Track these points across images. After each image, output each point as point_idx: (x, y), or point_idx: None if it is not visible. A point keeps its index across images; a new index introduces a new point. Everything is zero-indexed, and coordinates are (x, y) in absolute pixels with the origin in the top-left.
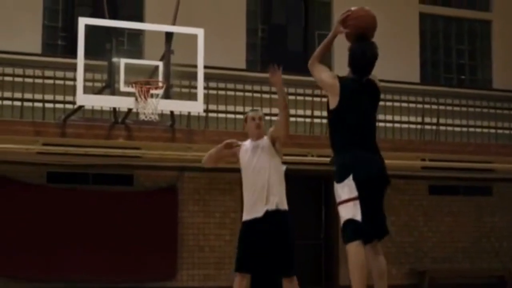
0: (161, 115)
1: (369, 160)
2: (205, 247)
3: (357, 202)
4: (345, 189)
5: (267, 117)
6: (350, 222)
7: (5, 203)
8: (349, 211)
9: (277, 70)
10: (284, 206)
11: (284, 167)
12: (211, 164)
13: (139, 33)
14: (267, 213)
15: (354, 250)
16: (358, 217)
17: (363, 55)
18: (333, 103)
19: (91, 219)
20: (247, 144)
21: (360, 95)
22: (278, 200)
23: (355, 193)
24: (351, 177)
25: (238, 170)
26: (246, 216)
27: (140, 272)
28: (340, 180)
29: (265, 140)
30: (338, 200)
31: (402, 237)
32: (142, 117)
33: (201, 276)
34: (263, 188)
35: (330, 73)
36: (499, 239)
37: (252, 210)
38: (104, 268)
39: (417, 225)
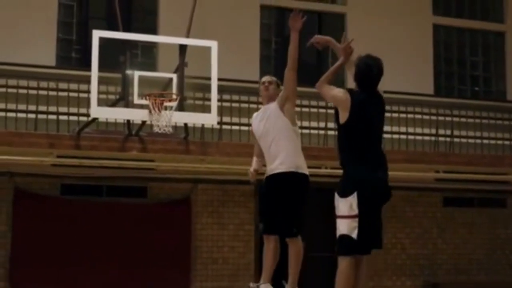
0: (175, 127)
1: (375, 179)
2: (219, 259)
3: (356, 220)
4: (347, 205)
5: None
6: (346, 237)
7: (19, 215)
8: (346, 227)
9: (300, 16)
10: (291, 166)
11: (295, 127)
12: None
13: (153, 45)
14: (270, 174)
15: (345, 266)
16: (355, 234)
17: (370, 70)
18: (344, 117)
19: (105, 231)
20: (259, 111)
21: (369, 109)
22: (283, 160)
23: (355, 211)
24: (355, 194)
25: (251, 182)
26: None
27: (154, 284)
28: (344, 195)
29: (274, 103)
30: (337, 213)
31: (416, 249)
32: (156, 129)
33: None
34: (269, 150)
35: (339, 89)
36: None
37: (267, 171)
38: (117, 280)
39: (431, 237)
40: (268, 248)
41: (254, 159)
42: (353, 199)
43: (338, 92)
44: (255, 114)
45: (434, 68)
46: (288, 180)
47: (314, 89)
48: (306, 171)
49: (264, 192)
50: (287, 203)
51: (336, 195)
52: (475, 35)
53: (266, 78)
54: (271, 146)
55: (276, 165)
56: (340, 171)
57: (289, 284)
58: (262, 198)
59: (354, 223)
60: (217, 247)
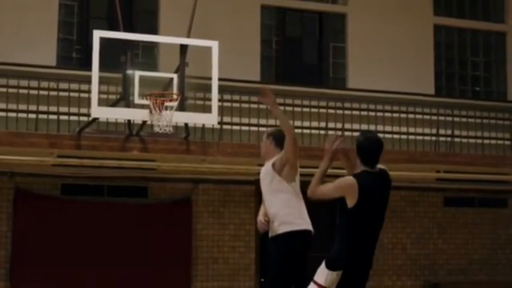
0: (176, 127)
1: (365, 262)
2: (219, 259)
3: None
4: (328, 278)
5: None
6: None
7: (19, 215)
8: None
9: (268, 92)
10: (282, 228)
11: (292, 184)
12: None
13: (153, 45)
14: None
15: None
16: None
17: (371, 144)
18: (351, 202)
19: (105, 231)
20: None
21: (376, 191)
22: (277, 225)
23: (333, 286)
24: (340, 272)
25: (252, 182)
26: None
27: (154, 284)
28: (329, 267)
29: (269, 163)
30: (315, 277)
31: (417, 249)
32: (156, 129)
33: None
34: (268, 215)
35: (341, 179)
36: None
37: None
38: (118, 280)
39: (432, 237)
40: None
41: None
42: (336, 277)
43: (341, 181)
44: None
45: (435, 68)
46: (277, 246)
47: (314, 89)
48: (288, 228)
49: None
50: (271, 271)
51: (323, 263)
52: (476, 35)
53: (264, 134)
54: (268, 212)
55: (271, 232)
56: (340, 171)
57: None
58: None
59: None
60: (217, 247)
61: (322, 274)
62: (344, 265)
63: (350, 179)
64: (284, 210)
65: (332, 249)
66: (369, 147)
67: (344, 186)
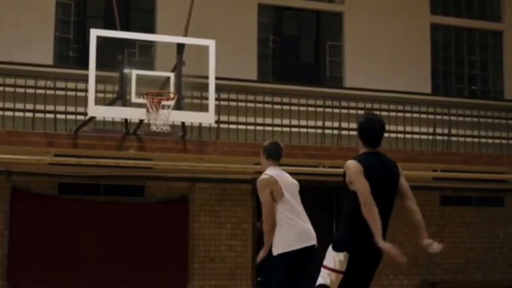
0: (173, 126)
1: (370, 245)
2: (216, 258)
3: (340, 277)
4: (336, 260)
5: (278, 128)
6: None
7: (16, 214)
8: (327, 279)
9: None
10: (275, 250)
11: (277, 205)
12: None
13: (150, 44)
14: None
15: None
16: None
17: (373, 126)
18: None
19: (102, 230)
20: None
21: (379, 172)
22: (273, 246)
23: (343, 268)
24: (347, 254)
25: (249, 181)
26: None
27: (151, 283)
28: (335, 249)
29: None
30: (324, 262)
31: (414, 248)
32: (153, 128)
33: (212, 287)
34: None
35: (350, 169)
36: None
37: None
38: (114, 279)
39: (429, 236)
40: None
41: None
42: (345, 257)
43: (354, 172)
44: None
45: (432, 67)
46: (272, 265)
47: (311, 87)
48: (281, 249)
49: None
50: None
51: (330, 246)
52: (473, 34)
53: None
54: None
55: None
56: (337, 170)
57: None
58: None
59: (337, 278)
60: (214, 245)
61: (329, 257)
62: (348, 246)
63: (354, 164)
64: (277, 232)
65: (337, 231)
66: (371, 128)
67: (358, 171)
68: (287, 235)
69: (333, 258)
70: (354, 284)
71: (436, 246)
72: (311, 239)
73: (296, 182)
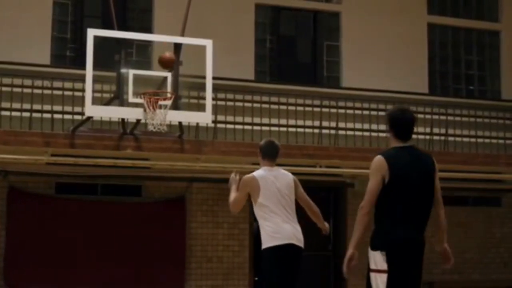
0: (170, 126)
1: (407, 243)
2: (213, 258)
3: (383, 276)
4: (376, 259)
5: (275, 128)
6: None
7: (13, 214)
8: (373, 282)
9: None
10: (263, 245)
11: (257, 207)
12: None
13: (148, 44)
14: None
15: None
16: None
17: (403, 115)
18: (385, 180)
19: (100, 230)
20: None
21: (409, 167)
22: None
23: (384, 266)
24: (384, 252)
25: None
26: None
27: (148, 283)
28: (373, 248)
29: None
30: (369, 266)
31: None
32: (150, 128)
33: (209, 287)
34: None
35: (372, 163)
36: (508, 250)
37: None
38: (111, 279)
39: (426, 236)
40: None
41: None
42: (381, 254)
43: (372, 168)
44: None
45: (429, 67)
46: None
47: (308, 87)
48: (268, 244)
49: None
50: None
51: (369, 247)
52: (470, 34)
53: None
54: None
55: None
56: (334, 169)
57: None
58: None
59: (381, 278)
60: (211, 245)
61: (370, 258)
62: (381, 244)
63: (377, 159)
64: (263, 230)
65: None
66: (401, 117)
67: (375, 168)
68: (263, 234)
69: (373, 258)
70: (402, 283)
71: (450, 264)
72: (289, 238)
73: (290, 182)
